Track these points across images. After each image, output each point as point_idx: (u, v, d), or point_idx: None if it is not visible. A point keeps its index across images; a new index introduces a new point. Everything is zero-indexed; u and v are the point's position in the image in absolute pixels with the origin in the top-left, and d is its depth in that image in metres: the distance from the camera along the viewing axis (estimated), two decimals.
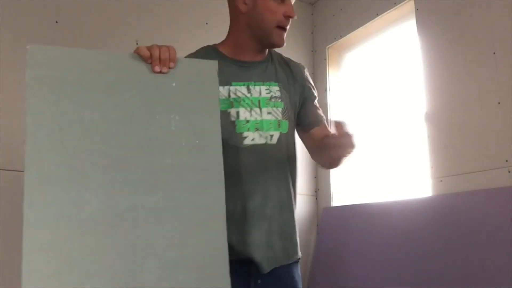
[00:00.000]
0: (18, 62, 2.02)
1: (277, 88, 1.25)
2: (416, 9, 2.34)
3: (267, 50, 1.30)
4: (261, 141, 1.19)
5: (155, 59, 0.97)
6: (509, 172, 1.78)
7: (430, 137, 2.15)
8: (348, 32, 2.81)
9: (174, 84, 0.99)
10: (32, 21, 2.09)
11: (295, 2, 1.24)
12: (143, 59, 0.98)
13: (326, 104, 2.82)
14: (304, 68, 1.36)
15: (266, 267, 1.17)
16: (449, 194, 1.98)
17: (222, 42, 1.31)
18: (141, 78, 0.97)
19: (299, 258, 1.30)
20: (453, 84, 2.07)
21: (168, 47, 1.00)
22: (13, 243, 1.88)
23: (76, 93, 0.91)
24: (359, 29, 2.73)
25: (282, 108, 1.23)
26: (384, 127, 2.55)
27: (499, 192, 1.77)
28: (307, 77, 1.34)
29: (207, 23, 2.60)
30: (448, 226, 1.90)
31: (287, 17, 1.20)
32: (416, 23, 2.32)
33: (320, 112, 1.35)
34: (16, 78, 2.01)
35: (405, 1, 2.42)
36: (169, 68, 0.99)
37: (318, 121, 1.32)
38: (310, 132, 1.31)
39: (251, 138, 1.18)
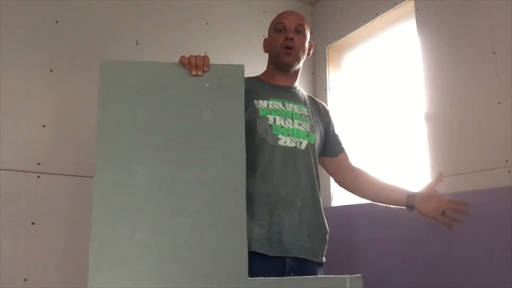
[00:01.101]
0: (18, 62, 2.03)
1: (306, 109, 1.51)
2: (416, 9, 2.34)
3: (295, 80, 1.56)
4: (292, 144, 1.41)
5: (193, 65, 1.24)
6: (509, 172, 1.79)
7: (430, 137, 2.15)
8: (348, 32, 2.81)
9: (207, 85, 1.25)
10: (32, 21, 2.09)
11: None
12: (184, 65, 1.25)
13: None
14: (328, 108, 1.65)
15: (295, 251, 1.33)
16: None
17: (262, 74, 1.59)
18: (182, 81, 1.24)
19: (324, 262, 1.41)
20: (453, 84, 2.07)
21: (203, 56, 1.26)
22: (14, 243, 1.89)
23: (134, 94, 1.21)
24: (359, 29, 2.74)
25: (310, 124, 1.48)
26: (384, 127, 2.55)
27: (499, 192, 1.77)
28: (331, 116, 1.63)
29: (207, 23, 2.60)
30: None
31: (286, 38, 1.47)
32: (416, 23, 2.32)
33: (341, 142, 1.63)
34: (16, 78, 2.01)
35: (405, 1, 2.42)
36: (204, 71, 1.24)
37: (342, 148, 1.61)
38: (337, 158, 1.59)
39: (284, 140, 1.40)
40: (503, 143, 1.82)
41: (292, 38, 1.46)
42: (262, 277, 1.12)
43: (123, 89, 1.21)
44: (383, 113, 2.59)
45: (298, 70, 1.55)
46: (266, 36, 1.58)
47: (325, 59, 2.98)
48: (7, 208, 1.89)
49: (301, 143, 1.42)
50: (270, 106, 1.44)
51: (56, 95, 2.10)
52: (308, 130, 1.46)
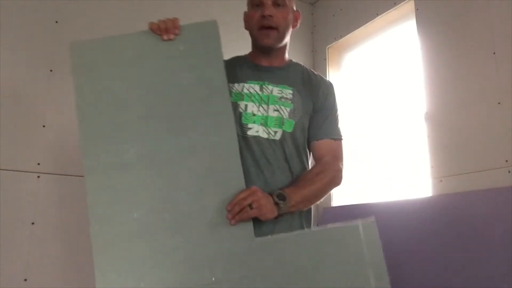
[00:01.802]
0: (18, 62, 2.03)
1: (290, 91, 1.31)
2: (416, 9, 2.34)
3: (285, 57, 1.39)
4: (264, 135, 1.25)
5: (163, 29, 1.17)
6: (509, 172, 1.78)
7: (430, 137, 2.15)
8: (348, 32, 2.81)
9: (182, 48, 1.19)
10: (32, 21, 2.09)
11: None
12: (154, 32, 1.18)
13: None
14: (330, 85, 1.40)
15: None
16: (449, 194, 1.98)
17: (250, 52, 1.44)
18: (156, 49, 1.19)
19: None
20: (453, 84, 2.07)
21: (172, 19, 1.19)
22: (14, 243, 1.89)
23: (109, 71, 1.16)
24: (359, 29, 2.74)
25: (290, 109, 1.28)
26: (384, 127, 2.55)
27: (499, 192, 1.77)
28: (327, 91, 1.36)
29: None
30: (448, 226, 1.90)
31: (262, 16, 1.28)
32: (416, 23, 2.32)
33: (329, 126, 1.33)
34: (16, 78, 2.01)
35: (405, 1, 2.42)
36: (175, 34, 1.18)
37: (318, 136, 1.32)
38: (313, 144, 1.33)
39: (256, 130, 1.26)
40: (503, 143, 1.82)
41: (270, 16, 1.27)
42: (269, 236, 1.09)
43: (97, 67, 1.16)
44: (383, 113, 2.59)
45: (283, 47, 1.37)
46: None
47: (325, 59, 2.98)
48: (7, 208, 1.89)
49: (275, 132, 1.26)
50: (245, 90, 1.29)
51: (56, 95, 2.09)
52: (285, 117, 1.27)
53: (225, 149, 1.13)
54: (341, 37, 2.87)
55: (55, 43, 2.13)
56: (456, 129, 2.03)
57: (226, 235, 1.06)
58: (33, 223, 1.94)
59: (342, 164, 1.32)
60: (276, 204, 1.12)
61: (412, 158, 2.33)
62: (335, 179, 1.28)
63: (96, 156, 1.09)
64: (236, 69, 1.34)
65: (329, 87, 1.38)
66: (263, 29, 1.29)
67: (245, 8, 1.41)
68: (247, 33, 1.40)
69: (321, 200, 1.26)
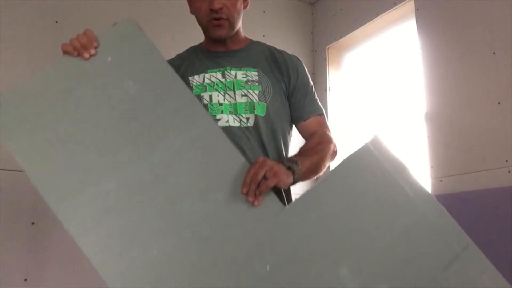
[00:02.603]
0: (18, 62, 2.03)
1: (256, 73, 1.22)
2: (416, 9, 2.34)
3: (242, 38, 1.30)
4: (235, 124, 1.17)
5: (79, 48, 1.05)
6: (509, 172, 1.78)
7: (430, 137, 2.15)
8: (348, 32, 2.81)
9: (109, 59, 1.05)
10: (32, 21, 2.09)
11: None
12: (70, 54, 1.05)
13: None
14: (297, 60, 1.31)
15: None
16: (449, 194, 1.98)
17: (204, 40, 1.34)
18: (81, 71, 1.04)
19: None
20: (453, 84, 2.07)
21: (84, 32, 1.07)
22: (14, 243, 1.89)
23: (40, 117, 1.00)
24: (359, 29, 2.74)
25: (259, 91, 1.20)
26: (384, 127, 2.55)
27: (499, 192, 1.77)
28: (296, 67, 1.28)
29: None
30: None
31: (211, 10, 1.17)
32: (416, 23, 2.32)
33: (311, 103, 1.28)
34: (16, 77, 2.01)
35: (405, 1, 2.42)
36: (95, 48, 1.05)
37: (304, 116, 1.27)
38: (297, 127, 1.28)
39: (225, 120, 1.17)
40: (503, 143, 1.82)
41: (220, 8, 1.16)
42: (295, 199, 1.02)
43: (25, 119, 0.99)
44: (383, 113, 2.59)
45: (238, 31, 1.27)
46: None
47: (325, 59, 2.98)
48: (7, 208, 1.89)
49: (247, 119, 1.17)
50: (206, 81, 1.21)
51: None
52: (255, 100, 1.18)
53: (209, 136, 1.03)
54: (341, 37, 2.87)
55: (55, 43, 2.13)
56: (456, 129, 2.03)
57: (256, 218, 0.97)
58: (33, 223, 1.94)
59: (332, 135, 1.28)
60: (289, 168, 1.05)
61: (412, 158, 2.33)
62: (334, 149, 1.25)
63: (76, 214, 0.95)
64: (194, 61, 1.26)
65: (297, 62, 1.30)
66: (214, 21, 1.19)
67: None
68: None
69: (323, 171, 1.20)
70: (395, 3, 2.47)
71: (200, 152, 1.02)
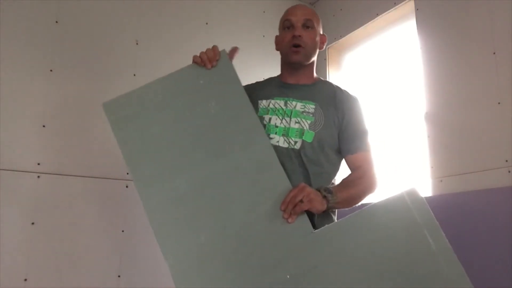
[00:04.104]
0: (18, 62, 2.03)
1: (313, 106, 1.41)
2: (416, 9, 2.34)
3: (313, 75, 1.51)
4: (284, 145, 1.36)
5: (205, 60, 1.33)
6: (509, 172, 1.79)
7: (430, 137, 2.15)
8: (348, 32, 2.81)
9: (201, 82, 1.33)
10: (32, 21, 2.09)
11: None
12: (198, 64, 1.34)
13: None
14: (354, 100, 1.48)
15: None
16: (449, 194, 1.98)
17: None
18: (178, 88, 1.33)
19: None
20: (453, 84, 2.07)
21: (212, 48, 1.35)
22: (14, 243, 1.89)
23: (142, 119, 1.30)
24: (359, 29, 2.74)
25: (311, 121, 1.39)
26: (384, 127, 2.56)
27: (499, 192, 1.77)
28: (351, 105, 1.45)
29: (207, 23, 2.60)
30: (448, 226, 1.90)
31: (293, 36, 1.42)
32: (416, 23, 2.32)
33: (360, 140, 1.43)
34: (16, 77, 2.01)
35: (405, 1, 2.42)
36: (217, 61, 1.34)
37: (351, 150, 1.43)
38: (345, 159, 1.45)
39: (276, 140, 1.37)
40: (503, 143, 1.82)
41: (300, 36, 1.42)
42: (325, 226, 1.17)
43: (131, 119, 1.30)
44: (383, 113, 2.59)
45: (310, 66, 1.50)
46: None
47: (325, 59, 2.98)
48: (7, 208, 1.89)
49: (295, 142, 1.36)
50: (271, 106, 1.43)
51: (56, 95, 2.10)
52: (306, 128, 1.37)
53: (264, 158, 1.24)
54: (341, 37, 2.87)
55: (55, 43, 2.13)
56: (456, 129, 2.03)
57: (287, 234, 1.15)
58: (33, 223, 1.94)
59: (375, 172, 1.42)
60: (324, 197, 1.22)
61: (412, 158, 2.33)
62: (374, 185, 1.39)
63: (154, 197, 1.22)
64: (266, 88, 1.48)
65: (353, 101, 1.47)
66: (293, 47, 1.42)
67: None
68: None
69: (359, 203, 1.32)
70: (395, 3, 2.48)
71: (255, 169, 1.23)
